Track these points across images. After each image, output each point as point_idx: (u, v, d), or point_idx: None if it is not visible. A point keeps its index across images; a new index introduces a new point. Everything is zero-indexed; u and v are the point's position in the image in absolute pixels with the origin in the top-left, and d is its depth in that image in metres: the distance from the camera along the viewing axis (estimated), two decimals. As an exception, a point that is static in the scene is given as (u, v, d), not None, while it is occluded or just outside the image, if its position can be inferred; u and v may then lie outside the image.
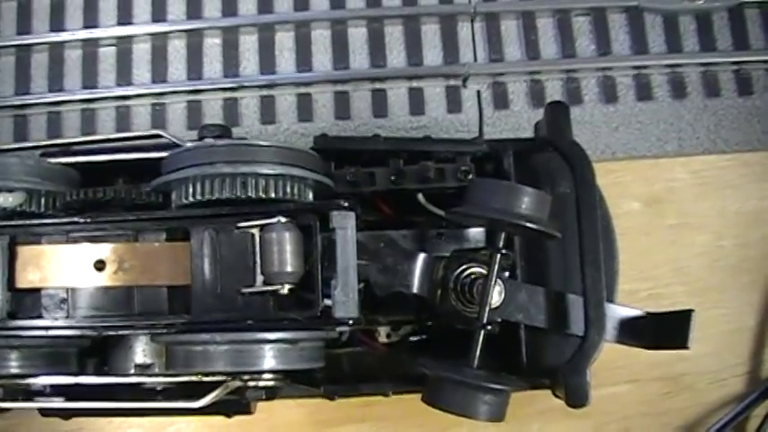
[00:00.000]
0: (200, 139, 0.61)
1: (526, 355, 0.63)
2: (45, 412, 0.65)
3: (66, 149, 0.65)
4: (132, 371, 0.60)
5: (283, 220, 0.56)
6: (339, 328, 0.57)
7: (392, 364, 0.68)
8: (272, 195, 0.57)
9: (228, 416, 0.66)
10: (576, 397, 0.61)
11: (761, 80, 0.83)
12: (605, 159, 0.82)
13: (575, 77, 0.81)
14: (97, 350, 0.62)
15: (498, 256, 0.59)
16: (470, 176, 0.65)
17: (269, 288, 0.56)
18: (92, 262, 0.58)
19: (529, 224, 0.57)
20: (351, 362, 0.70)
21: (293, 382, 0.60)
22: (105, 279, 0.58)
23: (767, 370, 0.81)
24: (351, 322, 0.56)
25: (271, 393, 0.61)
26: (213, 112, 0.80)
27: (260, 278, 0.57)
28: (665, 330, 0.64)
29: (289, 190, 0.58)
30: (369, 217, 0.67)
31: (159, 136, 0.63)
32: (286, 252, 0.56)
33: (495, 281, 0.59)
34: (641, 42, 0.82)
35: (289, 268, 0.56)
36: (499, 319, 0.62)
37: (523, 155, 0.65)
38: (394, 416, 0.77)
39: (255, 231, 0.57)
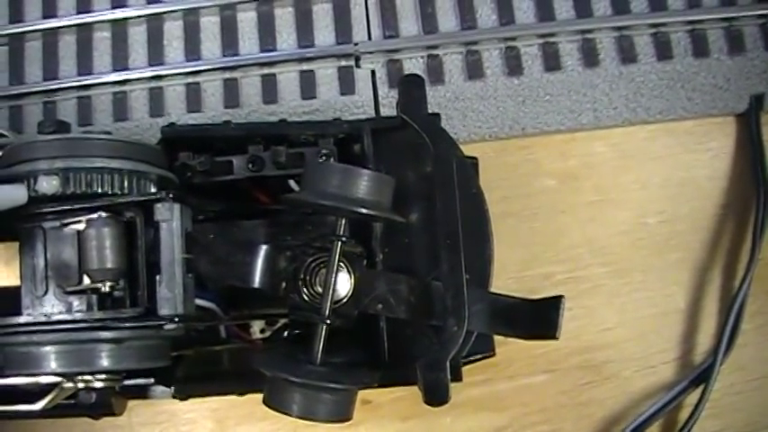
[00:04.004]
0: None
1: (388, 349, 0.59)
2: None
3: None
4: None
5: (104, 215, 0.54)
6: (167, 326, 0.54)
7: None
8: (98, 190, 0.55)
9: (95, 418, 0.64)
10: (433, 394, 0.56)
11: (681, 43, 0.76)
12: (515, 136, 0.76)
13: (475, 50, 0.75)
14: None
15: (339, 243, 0.55)
16: (332, 160, 0.62)
17: (90, 286, 0.54)
18: None
19: (363, 210, 0.53)
20: (231, 359, 0.68)
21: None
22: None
23: (698, 355, 0.75)
24: (177, 320, 0.54)
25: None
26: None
27: (85, 276, 0.55)
28: (539, 318, 0.59)
29: (118, 184, 0.56)
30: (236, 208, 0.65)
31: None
32: (105, 248, 0.54)
33: (337, 270, 0.56)
34: (547, 8, 0.76)
35: (109, 264, 0.54)
36: (356, 312, 0.59)
37: (384, 134, 0.61)
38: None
39: (81, 228, 0.55)
